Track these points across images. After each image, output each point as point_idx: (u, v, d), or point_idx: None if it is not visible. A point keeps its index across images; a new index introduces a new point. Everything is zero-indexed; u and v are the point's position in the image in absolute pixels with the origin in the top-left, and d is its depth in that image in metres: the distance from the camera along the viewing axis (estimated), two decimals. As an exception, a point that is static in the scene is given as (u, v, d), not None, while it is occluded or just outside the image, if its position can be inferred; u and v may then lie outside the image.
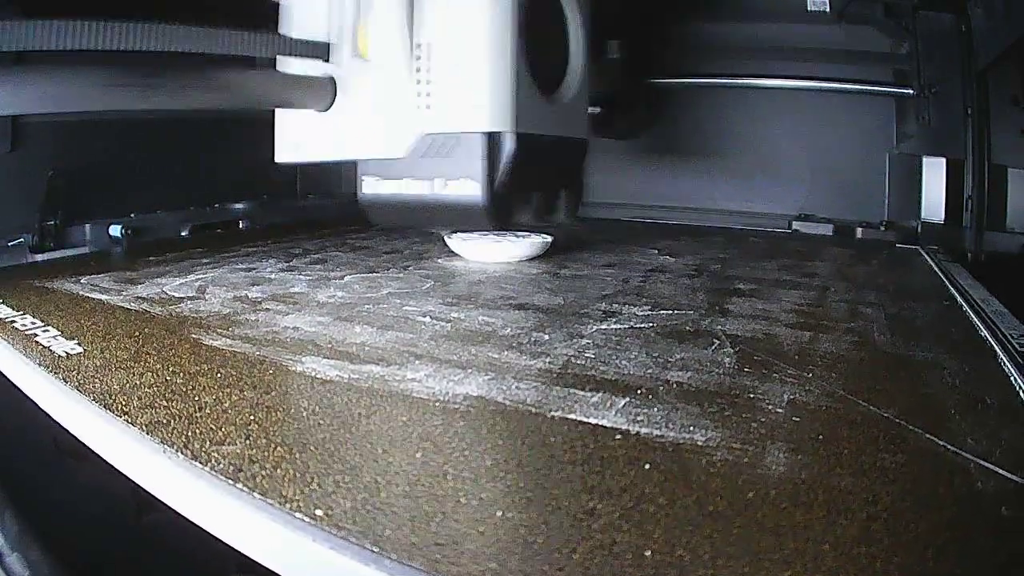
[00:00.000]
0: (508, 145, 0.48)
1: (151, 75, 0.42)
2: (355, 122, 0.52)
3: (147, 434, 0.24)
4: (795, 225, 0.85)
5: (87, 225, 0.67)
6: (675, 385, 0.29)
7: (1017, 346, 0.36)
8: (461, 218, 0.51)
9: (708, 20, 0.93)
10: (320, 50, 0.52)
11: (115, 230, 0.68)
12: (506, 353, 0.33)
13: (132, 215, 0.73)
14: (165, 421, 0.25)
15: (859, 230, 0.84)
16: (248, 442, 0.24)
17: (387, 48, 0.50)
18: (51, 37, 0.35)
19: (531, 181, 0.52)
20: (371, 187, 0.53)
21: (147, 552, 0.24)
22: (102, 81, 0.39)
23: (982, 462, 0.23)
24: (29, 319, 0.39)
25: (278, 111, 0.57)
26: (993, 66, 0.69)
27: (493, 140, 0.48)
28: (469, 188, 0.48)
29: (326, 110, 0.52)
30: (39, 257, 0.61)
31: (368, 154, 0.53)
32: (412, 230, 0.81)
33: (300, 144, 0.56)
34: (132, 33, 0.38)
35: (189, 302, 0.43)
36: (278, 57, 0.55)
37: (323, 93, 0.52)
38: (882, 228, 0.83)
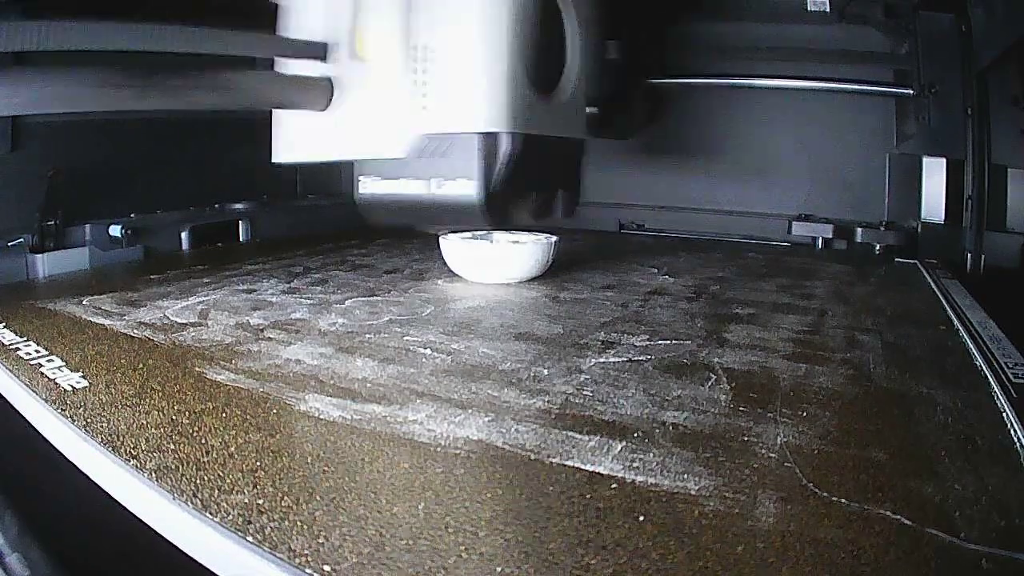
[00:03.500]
0: (505, 145, 0.49)
1: (148, 75, 0.41)
2: (353, 122, 0.52)
3: (156, 480, 0.25)
4: (795, 226, 0.85)
5: (87, 225, 0.67)
6: (671, 427, 0.30)
7: (1011, 376, 0.36)
8: (458, 217, 0.52)
9: (707, 20, 0.92)
10: (318, 50, 0.52)
11: (115, 230, 0.68)
12: (506, 390, 0.34)
13: (132, 215, 0.73)
14: (173, 466, 0.26)
15: (859, 231, 0.84)
16: (256, 491, 0.24)
17: (384, 49, 0.50)
18: (51, 37, 0.35)
19: (529, 180, 0.52)
20: (368, 187, 0.53)
21: (148, 552, 0.25)
22: (98, 82, 0.39)
23: (966, 511, 0.24)
24: (33, 347, 0.40)
25: (276, 111, 0.57)
26: (993, 66, 0.68)
27: (490, 140, 0.48)
28: (465, 188, 0.49)
29: (324, 110, 0.52)
30: (39, 258, 0.61)
31: (366, 154, 0.53)
32: (412, 233, 0.80)
33: (298, 144, 0.56)
34: (130, 33, 0.38)
35: (192, 329, 0.44)
36: (276, 58, 0.54)
37: (321, 93, 0.51)
38: (882, 228, 0.83)
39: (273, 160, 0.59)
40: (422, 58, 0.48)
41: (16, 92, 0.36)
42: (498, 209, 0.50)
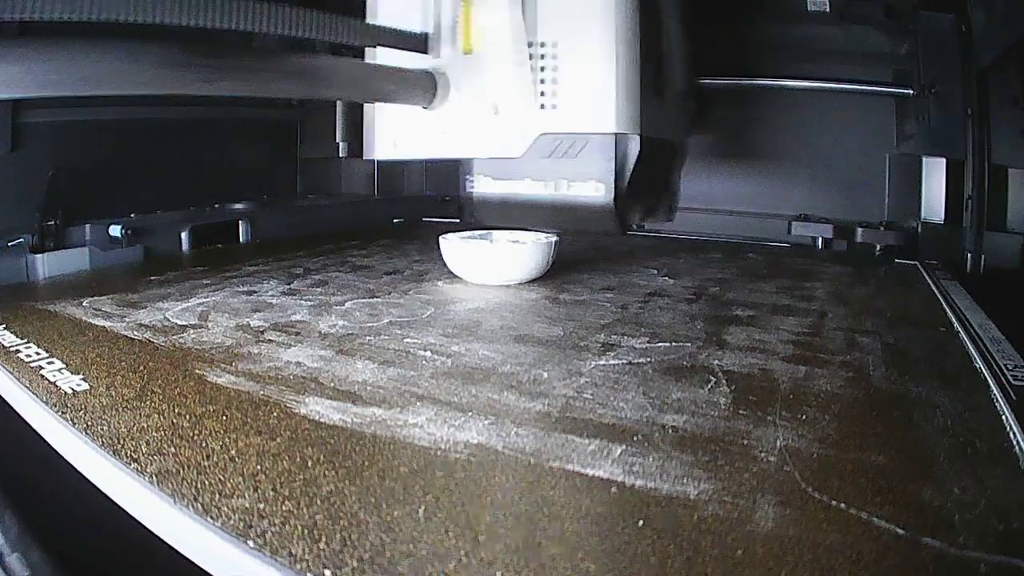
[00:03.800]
0: (634, 147, 0.48)
1: (226, 56, 0.38)
2: (464, 119, 0.50)
3: (157, 484, 0.25)
4: (795, 226, 0.85)
5: (87, 225, 0.67)
6: (670, 431, 0.30)
7: (1011, 379, 0.36)
8: (585, 220, 0.51)
9: (706, 20, 0.92)
10: (418, 42, 0.49)
11: (115, 230, 0.68)
12: (506, 393, 0.34)
13: (132, 215, 0.73)
14: (174, 470, 0.26)
15: (859, 231, 0.84)
16: (256, 495, 0.24)
17: (501, 44, 0.48)
18: (133, 7, 0.32)
19: (645, 183, 0.51)
20: (483, 186, 0.53)
21: (148, 553, 0.25)
22: (182, 61, 0.36)
23: (965, 515, 0.24)
24: (34, 349, 0.40)
25: (375, 107, 0.55)
26: (993, 66, 0.68)
27: (620, 142, 0.48)
28: (596, 190, 0.48)
29: (428, 107, 0.50)
30: (39, 258, 0.61)
31: (480, 153, 0.51)
32: (412, 234, 0.81)
33: (399, 141, 0.54)
34: (212, 8, 0.34)
35: (192, 331, 0.44)
36: (368, 49, 0.51)
37: (425, 89, 0.49)
38: (882, 229, 0.83)
39: (365, 157, 0.57)
40: (547, 56, 0.47)
41: (71, 70, 0.32)
42: (624, 212, 0.49)
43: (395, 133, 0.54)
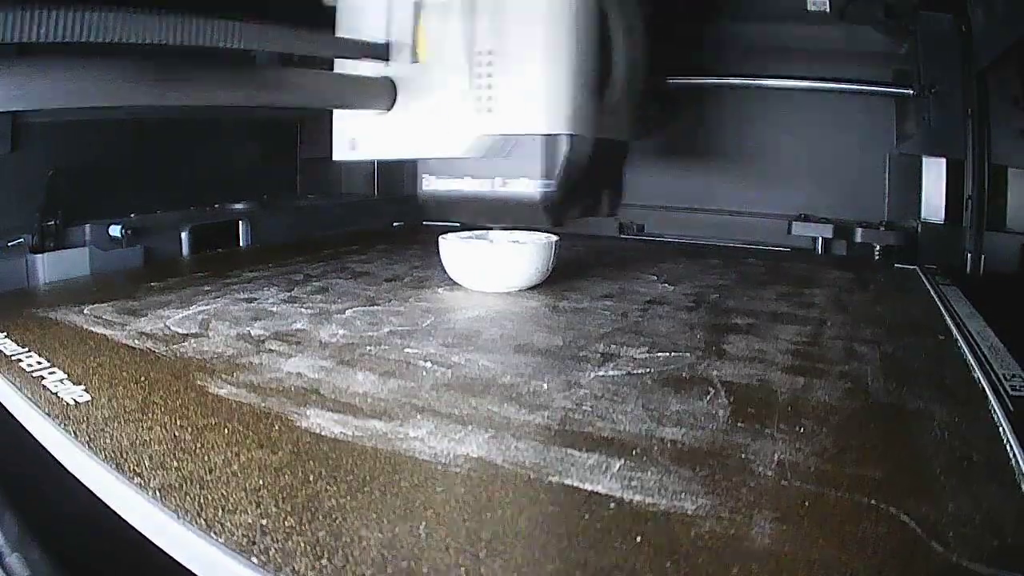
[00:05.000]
0: (564, 146, 0.52)
1: (198, 70, 0.41)
2: (416, 122, 0.55)
3: (160, 499, 0.25)
4: (795, 226, 0.86)
5: (87, 225, 0.67)
6: (669, 444, 0.30)
7: (1009, 389, 0.36)
8: (519, 215, 0.55)
9: (706, 20, 0.92)
10: (380, 51, 0.55)
11: (115, 230, 0.68)
12: (505, 406, 0.34)
13: (132, 215, 0.73)
14: (177, 484, 0.26)
15: (859, 231, 0.85)
16: (259, 510, 0.25)
17: (448, 53, 0.53)
18: (102, 27, 0.34)
19: (582, 180, 0.55)
20: (431, 184, 0.57)
21: (148, 554, 0.25)
22: (156, 75, 0.39)
23: (960, 530, 0.24)
24: (35, 358, 0.40)
25: (336, 111, 0.60)
26: (993, 66, 0.69)
27: (551, 141, 0.52)
28: (528, 186, 0.52)
29: (387, 111, 0.55)
30: (39, 258, 0.61)
31: (429, 153, 0.56)
32: (413, 239, 0.83)
33: (357, 142, 0.59)
34: (189, 27, 0.38)
35: (193, 340, 0.44)
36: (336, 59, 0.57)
37: (385, 94, 0.55)
38: (882, 228, 0.84)
39: (334, 158, 0.61)
40: (487, 63, 0.51)
41: (62, 84, 0.36)
42: (556, 206, 0.53)
43: (353, 135, 0.59)
